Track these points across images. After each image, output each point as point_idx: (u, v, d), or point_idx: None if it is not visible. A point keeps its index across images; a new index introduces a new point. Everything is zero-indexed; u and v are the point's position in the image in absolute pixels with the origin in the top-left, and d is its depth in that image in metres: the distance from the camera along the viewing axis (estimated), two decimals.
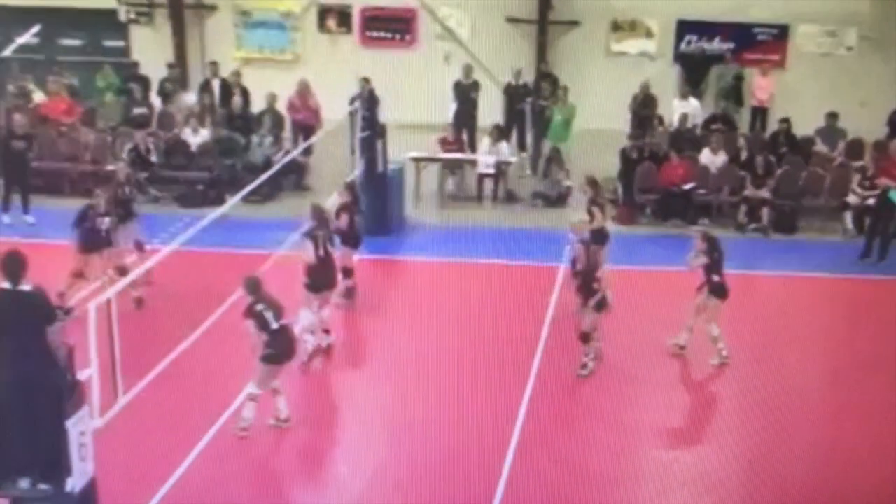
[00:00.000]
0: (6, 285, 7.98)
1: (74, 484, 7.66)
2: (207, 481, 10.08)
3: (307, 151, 19.51)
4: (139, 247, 14.15)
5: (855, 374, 12.63)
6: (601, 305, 12.21)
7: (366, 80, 18.99)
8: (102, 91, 21.66)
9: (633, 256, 16.59)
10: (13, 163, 17.68)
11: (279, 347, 10.63)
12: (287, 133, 20.77)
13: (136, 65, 23.26)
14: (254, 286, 10.67)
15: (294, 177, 19.53)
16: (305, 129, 20.54)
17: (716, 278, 12.45)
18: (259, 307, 10.54)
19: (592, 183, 14.43)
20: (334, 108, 19.93)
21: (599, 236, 13.61)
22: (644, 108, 20.63)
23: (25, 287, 7.95)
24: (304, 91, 20.81)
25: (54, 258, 13.73)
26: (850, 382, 12.47)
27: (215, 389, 11.77)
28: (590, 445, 11.06)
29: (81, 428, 7.74)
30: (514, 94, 21.24)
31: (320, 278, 12.56)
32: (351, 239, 13.93)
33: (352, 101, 18.78)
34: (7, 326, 7.89)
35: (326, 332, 12.85)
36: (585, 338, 12.31)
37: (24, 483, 7.67)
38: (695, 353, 13.00)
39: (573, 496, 10.08)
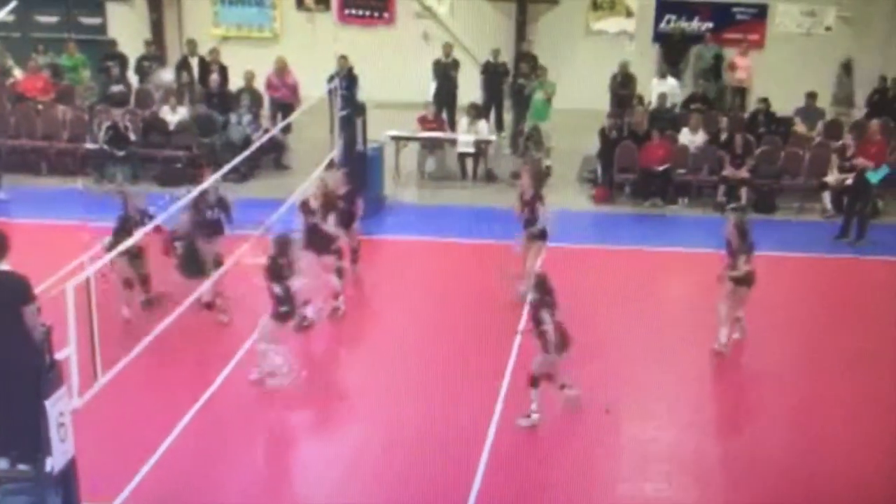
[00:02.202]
0: None
1: (54, 464, 7.62)
2: (188, 460, 10.11)
3: (286, 129, 19.45)
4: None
5: (832, 355, 12.69)
6: (558, 346, 10.63)
7: (343, 59, 18.94)
8: (72, 70, 21.45)
9: (610, 236, 16.69)
10: None
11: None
12: (265, 111, 20.68)
13: (113, 42, 23.03)
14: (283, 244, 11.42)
15: (273, 155, 19.47)
16: (284, 106, 20.49)
17: (746, 267, 12.20)
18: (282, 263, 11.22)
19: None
20: (313, 85, 19.82)
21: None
22: (623, 88, 20.65)
23: (3, 267, 7.84)
24: (281, 69, 20.76)
25: (23, 237, 13.63)
26: (828, 363, 12.53)
27: (196, 369, 11.86)
28: (571, 421, 11.10)
29: (60, 408, 7.69)
30: (492, 73, 21.21)
31: (314, 242, 13.07)
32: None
33: (330, 80, 18.72)
34: None
35: (335, 296, 13.43)
36: (532, 381, 10.79)
37: (2, 463, 7.61)
38: (671, 334, 13.07)
39: (554, 470, 10.17)
